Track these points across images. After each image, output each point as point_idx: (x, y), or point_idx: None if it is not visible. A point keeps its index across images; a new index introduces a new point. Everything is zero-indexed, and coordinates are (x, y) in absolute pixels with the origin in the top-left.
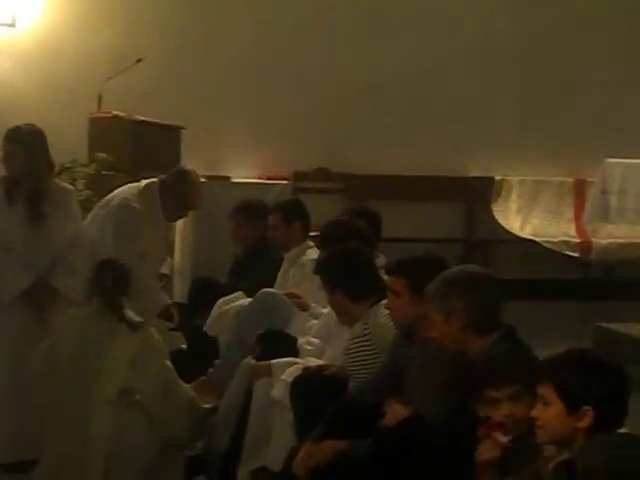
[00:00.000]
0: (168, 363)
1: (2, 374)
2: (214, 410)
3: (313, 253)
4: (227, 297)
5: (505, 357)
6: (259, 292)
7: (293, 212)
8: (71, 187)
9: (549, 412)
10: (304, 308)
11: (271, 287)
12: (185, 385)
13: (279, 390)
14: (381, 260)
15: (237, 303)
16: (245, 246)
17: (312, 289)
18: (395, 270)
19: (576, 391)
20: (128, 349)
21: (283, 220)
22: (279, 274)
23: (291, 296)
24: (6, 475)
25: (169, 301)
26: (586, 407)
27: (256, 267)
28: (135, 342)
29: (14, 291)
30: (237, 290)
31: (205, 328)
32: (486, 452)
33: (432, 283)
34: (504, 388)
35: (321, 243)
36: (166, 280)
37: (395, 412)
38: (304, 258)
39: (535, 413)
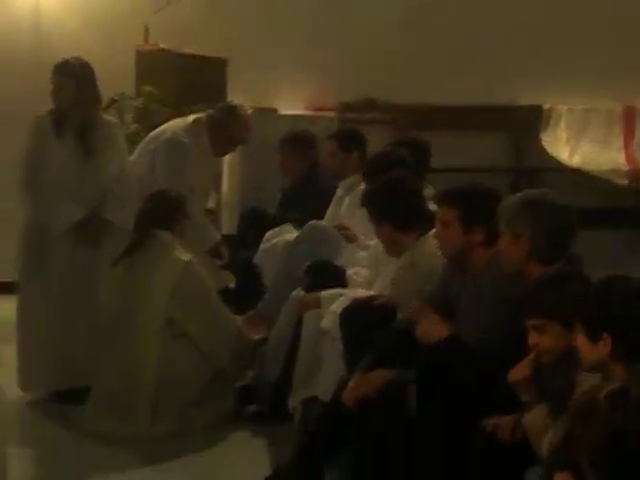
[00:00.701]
0: (214, 295)
1: (54, 303)
2: (264, 341)
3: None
4: (276, 229)
5: (543, 287)
6: (307, 224)
7: (352, 141)
8: (117, 121)
9: (578, 341)
10: (353, 240)
11: (321, 218)
12: (234, 317)
13: (328, 321)
14: (429, 191)
15: (285, 235)
16: (294, 177)
17: (364, 220)
18: (446, 200)
19: (593, 318)
20: (169, 279)
21: (340, 148)
22: (332, 202)
23: (340, 228)
24: (57, 404)
25: (219, 237)
26: (605, 334)
27: (305, 198)
28: (176, 272)
29: (67, 222)
30: (286, 222)
31: (255, 260)
32: (517, 372)
33: (506, 202)
34: (532, 318)
35: (365, 175)
36: (212, 215)
37: (430, 325)
38: (359, 188)
39: (575, 343)
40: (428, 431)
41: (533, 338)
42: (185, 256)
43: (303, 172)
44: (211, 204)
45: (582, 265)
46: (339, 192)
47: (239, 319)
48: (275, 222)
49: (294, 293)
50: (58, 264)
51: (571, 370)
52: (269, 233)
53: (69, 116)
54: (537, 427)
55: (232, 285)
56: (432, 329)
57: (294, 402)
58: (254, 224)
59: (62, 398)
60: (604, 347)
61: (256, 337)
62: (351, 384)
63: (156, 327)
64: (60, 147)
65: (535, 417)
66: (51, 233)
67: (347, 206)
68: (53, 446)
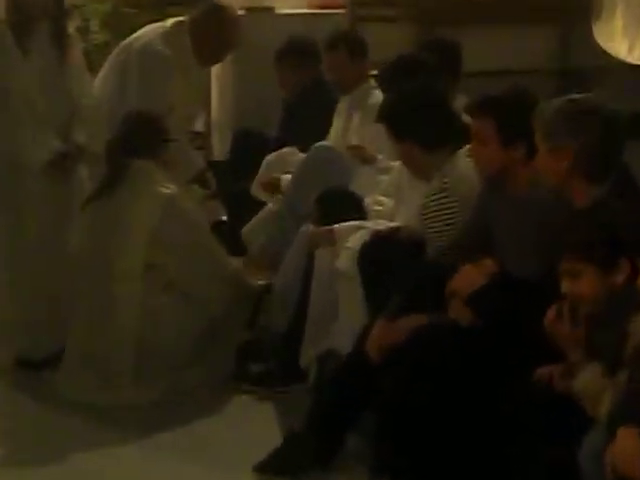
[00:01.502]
0: (206, 234)
1: (24, 251)
2: (268, 287)
3: (379, 95)
4: (276, 153)
5: (575, 224)
6: (313, 146)
7: (359, 46)
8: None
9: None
10: (370, 161)
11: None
12: (230, 259)
13: (345, 260)
14: (461, 100)
15: (288, 160)
16: (296, 92)
17: (381, 139)
18: (480, 111)
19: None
20: (149, 216)
21: (349, 56)
22: (335, 120)
23: (353, 148)
24: (26, 373)
25: (203, 165)
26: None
27: (311, 116)
28: (156, 208)
29: (44, 155)
30: (288, 145)
31: (252, 191)
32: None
33: (544, 109)
34: (566, 261)
35: (380, 84)
36: (201, 139)
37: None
38: (370, 101)
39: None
40: (472, 387)
41: (566, 285)
42: (169, 189)
43: (307, 85)
44: (198, 126)
45: (634, 182)
46: (344, 107)
47: (237, 262)
48: (275, 145)
49: (303, 228)
50: (30, 205)
51: (620, 318)
52: (268, 157)
53: (34, 27)
54: (592, 389)
55: (224, 218)
56: (467, 279)
57: (307, 358)
58: (250, 148)
59: (31, 365)
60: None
61: (258, 282)
62: (375, 333)
63: (135, 275)
64: (26, 64)
65: (589, 379)
66: (23, 169)
67: (357, 124)
68: (21, 419)
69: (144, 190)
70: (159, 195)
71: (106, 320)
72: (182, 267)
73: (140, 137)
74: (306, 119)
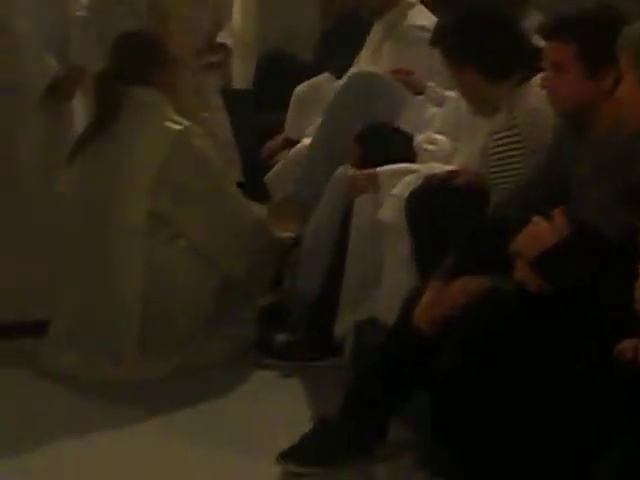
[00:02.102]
0: (223, 177)
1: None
2: (296, 242)
3: (420, 15)
4: (309, 82)
5: None
6: (352, 72)
7: None
8: None
9: None
10: (419, 90)
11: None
12: (252, 206)
13: (390, 210)
14: (533, 19)
15: (324, 91)
16: (339, 12)
17: (424, 66)
18: (558, 32)
19: None
20: (155, 155)
21: None
22: (365, 49)
23: (399, 74)
24: (12, 339)
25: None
26: None
27: (354, 39)
28: (163, 146)
29: (44, 79)
30: (325, 71)
31: (285, 131)
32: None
33: (630, 30)
34: None
35: (433, 1)
36: (224, 53)
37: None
38: (406, 24)
39: None
40: (542, 364)
41: None
42: (178, 123)
43: (352, 5)
44: (225, 38)
45: None
46: (375, 34)
47: (260, 209)
48: (309, 72)
49: (339, 170)
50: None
51: None
52: (301, 87)
53: None
54: None
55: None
56: (536, 236)
57: (343, 327)
58: (278, 75)
59: (18, 330)
60: None
61: (285, 235)
62: (426, 298)
63: (138, 227)
64: None
65: None
66: (22, 104)
67: (388, 51)
68: (13, 396)
69: (147, 125)
70: (166, 130)
71: (105, 281)
72: (193, 217)
73: (136, 59)
74: (349, 44)
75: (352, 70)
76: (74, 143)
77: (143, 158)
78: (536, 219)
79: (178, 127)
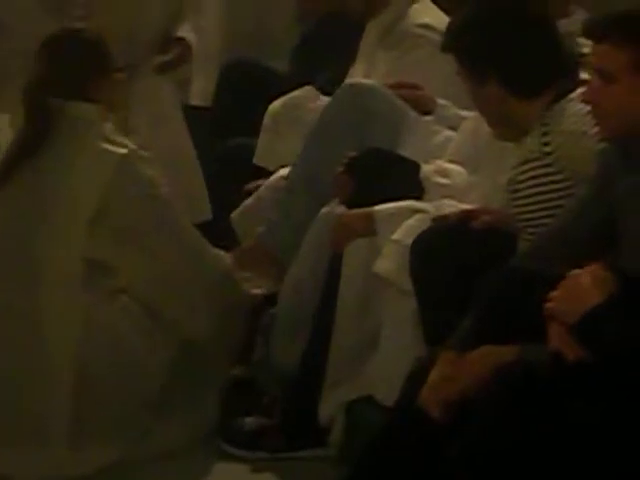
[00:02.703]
0: (178, 214)
1: None
2: (271, 299)
3: (426, 12)
4: (289, 96)
5: None
6: (344, 83)
7: None
8: None
9: None
10: (427, 109)
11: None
12: (216, 252)
13: (389, 260)
14: (576, 18)
15: (305, 109)
16: (322, 10)
17: (432, 78)
18: (610, 33)
19: None
20: (91, 186)
21: None
22: (359, 58)
23: (402, 88)
24: None
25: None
26: None
27: (343, 44)
28: (103, 173)
29: None
30: (305, 84)
31: (255, 159)
32: None
33: None
34: None
35: None
36: (182, 49)
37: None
38: (408, 22)
39: None
40: (586, 454)
41: None
42: (122, 146)
43: (328, 13)
44: (185, 32)
45: None
46: (368, 39)
47: (226, 257)
48: (287, 85)
49: (325, 209)
50: None
51: None
52: (275, 104)
53: None
54: None
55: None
56: (575, 294)
57: (329, 408)
58: (246, 88)
59: None
60: None
61: (257, 291)
62: (436, 374)
63: (72, 277)
64: None
65: None
66: None
67: (385, 59)
68: None
69: (83, 148)
70: (106, 155)
71: (30, 348)
72: (140, 265)
73: (72, 65)
74: (334, 49)
75: (345, 82)
76: None
77: (78, 191)
78: (575, 272)
79: (121, 150)
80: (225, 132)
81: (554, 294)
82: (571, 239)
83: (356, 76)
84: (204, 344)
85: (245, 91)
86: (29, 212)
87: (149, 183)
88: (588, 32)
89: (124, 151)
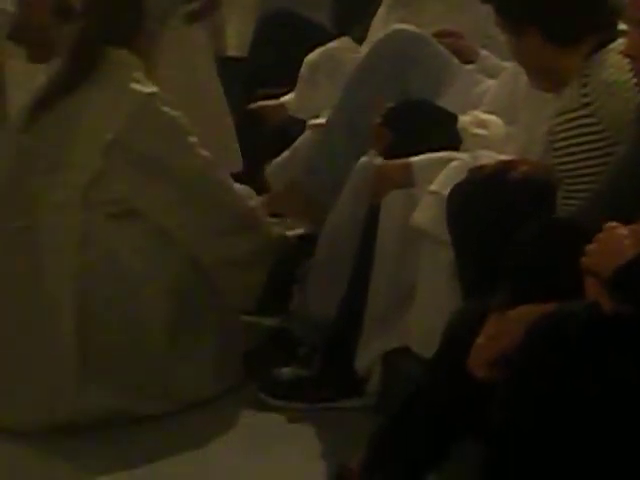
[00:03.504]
0: (198, 153)
1: None
2: (306, 242)
3: None
4: (326, 47)
5: None
6: (388, 29)
7: None
8: None
9: None
10: (469, 58)
11: None
12: (245, 194)
13: (427, 211)
14: None
15: (342, 60)
16: None
17: (473, 28)
18: None
19: None
20: (112, 113)
21: None
22: (376, 19)
23: (446, 37)
24: None
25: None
26: None
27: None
28: (127, 105)
29: None
30: (343, 35)
31: (291, 110)
32: None
33: None
34: None
35: None
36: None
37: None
38: None
39: None
40: (624, 408)
41: None
42: (149, 87)
43: None
44: None
45: None
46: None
47: (257, 200)
48: (322, 37)
49: (363, 160)
50: None
51: None
52: (312, 55)
53: None
54: None
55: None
56: (612, 248)
57: (367, 359)
58: (283, 40)
59: None
60: None
61: (291, 233)
62: (482, 338)
63: (70, 200)
64: None
65: None
66: None
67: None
68: None
69: (114, 87)
70: (134, 93)
71: (34, 280)
72: (167, 202)
73: (109, 13)
74: (368, 6)
75: (390, 28)
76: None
77: (97, 121)
78: (611, 225)
79: (148, 90)
80: (261, 83)
81: (590, 247)
82: (612, 192)
83: (390, 25)
84: (233, 294)
85: (282, 42)
86: (56, 144)
87: (171, 121)
88: None
89: (150, 90)
